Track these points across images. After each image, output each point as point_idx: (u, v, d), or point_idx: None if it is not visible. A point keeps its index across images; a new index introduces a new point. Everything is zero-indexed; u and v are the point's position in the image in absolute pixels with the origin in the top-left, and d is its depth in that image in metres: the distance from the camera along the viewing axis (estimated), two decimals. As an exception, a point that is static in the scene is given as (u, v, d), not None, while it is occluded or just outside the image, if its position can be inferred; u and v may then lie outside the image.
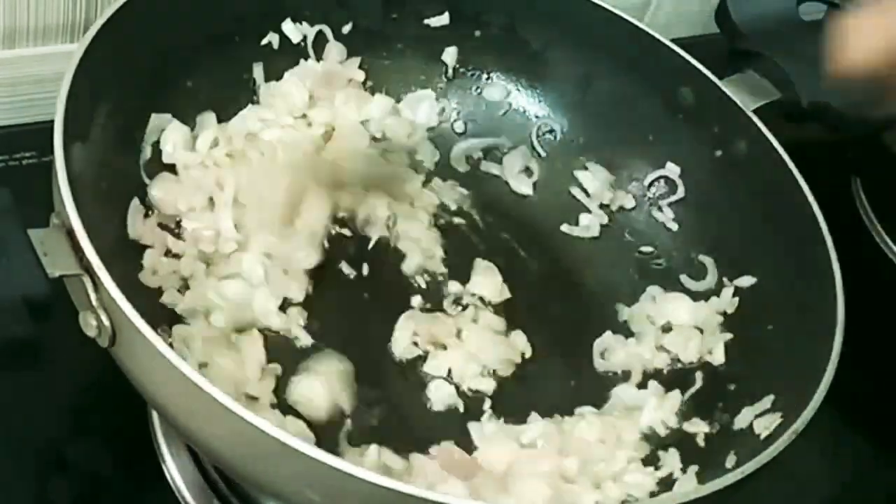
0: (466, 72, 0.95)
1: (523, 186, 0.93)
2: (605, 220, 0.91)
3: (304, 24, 0.89)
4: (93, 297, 0.63)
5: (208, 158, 0.83)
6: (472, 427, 0.77)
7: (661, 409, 0.80)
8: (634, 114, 0.91)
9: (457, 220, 0.90)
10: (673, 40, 0.90)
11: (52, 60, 0.92)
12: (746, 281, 0.84)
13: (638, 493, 0.73)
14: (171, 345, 0.70)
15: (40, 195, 0.67)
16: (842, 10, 0.95)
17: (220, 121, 0.86)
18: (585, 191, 0.92)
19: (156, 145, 0.82)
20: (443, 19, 0.93)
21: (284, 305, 0.79)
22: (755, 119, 0.86)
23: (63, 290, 0.64)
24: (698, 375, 0.82)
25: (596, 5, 0.91)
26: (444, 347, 0.81)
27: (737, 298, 0.84)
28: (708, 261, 0.87)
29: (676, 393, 0.81)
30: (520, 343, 0.83)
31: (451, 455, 0.73)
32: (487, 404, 0.79)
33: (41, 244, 0.63)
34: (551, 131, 0.94)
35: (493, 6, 0.93)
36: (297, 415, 0.74)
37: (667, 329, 0.85)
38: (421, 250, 0.86)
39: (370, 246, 0.86)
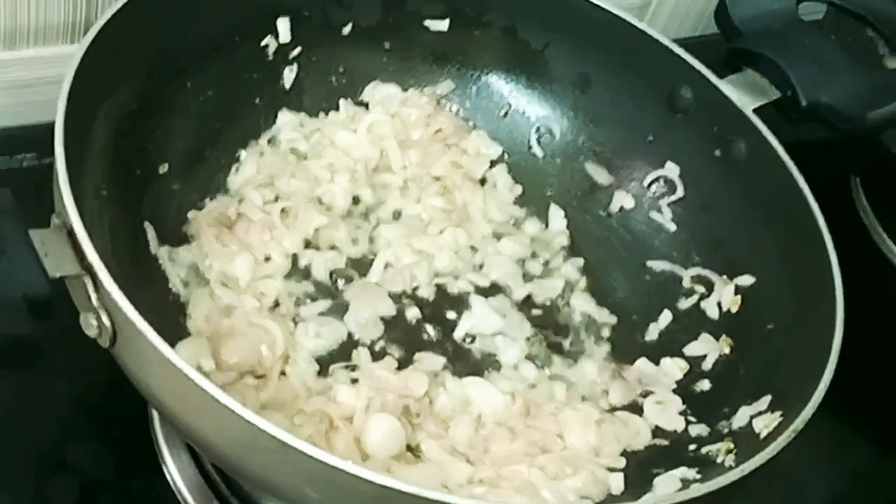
0: (466, 72, 0.95)
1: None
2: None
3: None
4: (93, 297, 0.63)
5: None
6: None
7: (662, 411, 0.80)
8: (634, 114, 0.91)
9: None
10: (673, 40, 0.90)
11: (52, 62, 0.92)
12: (746, 280, 0.84)
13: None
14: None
15: (41, 196, 0.68)
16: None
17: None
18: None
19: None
20: (442, 25, 0.93)
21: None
22: (755, 119, 0.86)
23: (63, 290, 0.64)
24: (697, 376, 0.83)
25: (596, 5, 0.91)
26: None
27: (739, 297, 0.84)
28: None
29: (676, 396, 0.81)
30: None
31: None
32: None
33: (42, 244, 0.63)
34: (551, 131, 0.94)
35: (493, 7, 0.93)
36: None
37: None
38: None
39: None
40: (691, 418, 0.79)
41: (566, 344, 0.85)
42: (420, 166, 0.91)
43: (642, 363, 0.83)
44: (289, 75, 0.90)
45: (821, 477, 0.93)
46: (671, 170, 0.90)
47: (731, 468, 0.67)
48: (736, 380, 0.80)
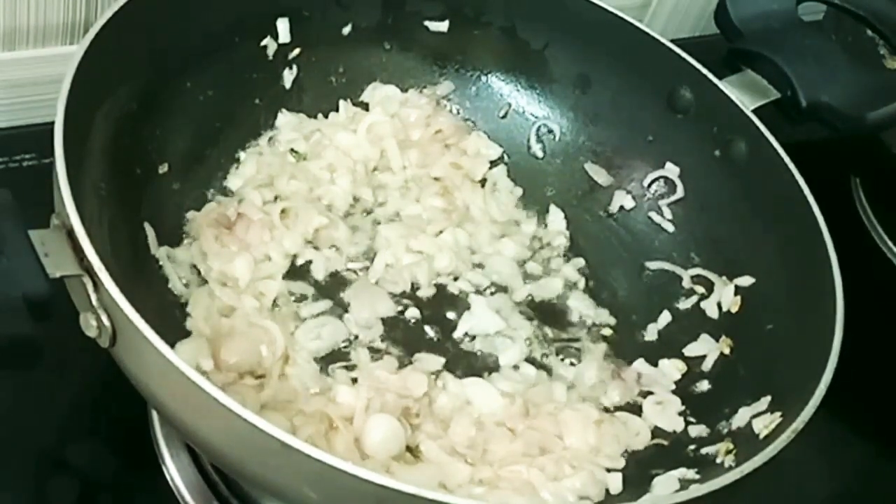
0: (466, 72, 0.95)
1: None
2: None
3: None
4: (93, 297, 0.63)
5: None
6: None
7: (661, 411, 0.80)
8: (634, 114, 0.91)
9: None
10: (673, 40, 0.91)
11: (52, 62, 0.92)
12: (746, 281, 0.84)
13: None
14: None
15: (41, 196, 0.68)
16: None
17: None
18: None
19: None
20: (442, 26, 0.93)
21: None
22: (755, 119, 0.86)
23: (63, 291, 0.64)
24: (697, 376, 0.83)
25: (596, 5, 0.91)
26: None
27: (738, 297, 0.84)
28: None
29: (675, 396, 0.81)
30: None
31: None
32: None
33: (42, 245, 0.63)
34: (551, 131, 0.94)
35: (492, 7, 0.93)
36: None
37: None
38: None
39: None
40: (691, 419, 0.79)
41: (566, 344, 0.85)
42: (420, 167, 0.91)
43: (641, 364, 0.83)
44: (288, 76, 0.90)
45: (821, 477, 0.93)
46: (671, 170, 0.90)
47: (730, 468, 0.67)
48: (735, 380, 0.80)
